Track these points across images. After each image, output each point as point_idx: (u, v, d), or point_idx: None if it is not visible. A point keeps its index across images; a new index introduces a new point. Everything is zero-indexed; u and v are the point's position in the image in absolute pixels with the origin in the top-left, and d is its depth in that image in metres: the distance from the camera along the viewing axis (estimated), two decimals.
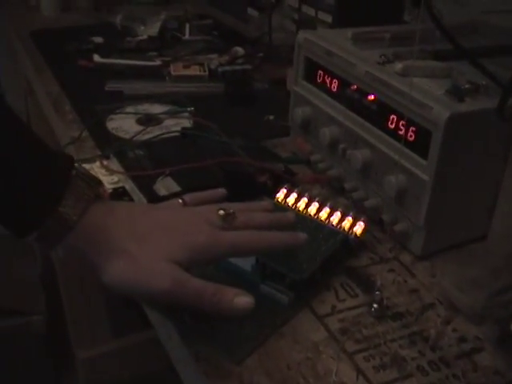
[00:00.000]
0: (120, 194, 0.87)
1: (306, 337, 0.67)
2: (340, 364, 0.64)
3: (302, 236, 0.71)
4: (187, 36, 1.55)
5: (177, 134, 1.04)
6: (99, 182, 0.67)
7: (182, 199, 0.71)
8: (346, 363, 0.64)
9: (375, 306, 0.71)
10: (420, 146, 0.76)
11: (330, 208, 0.82)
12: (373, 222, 0.84)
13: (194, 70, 1.32)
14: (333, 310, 0.72)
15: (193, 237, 0.63)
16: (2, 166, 0.59)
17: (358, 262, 0.80)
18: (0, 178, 0.59)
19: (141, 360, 1.48)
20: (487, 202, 0.81)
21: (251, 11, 1.64)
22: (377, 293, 0.71)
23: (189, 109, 1.13)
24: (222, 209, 0.66)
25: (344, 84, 0.89)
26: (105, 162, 0.93)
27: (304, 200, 0.83)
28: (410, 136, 0.77)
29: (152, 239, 0.62)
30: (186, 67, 1.33)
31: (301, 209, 0.82)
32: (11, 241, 1.97)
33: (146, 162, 0.93)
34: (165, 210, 0.70)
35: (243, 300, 0.63)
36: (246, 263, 0.73)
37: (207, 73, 1.31)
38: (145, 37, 1.52)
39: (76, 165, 0.65)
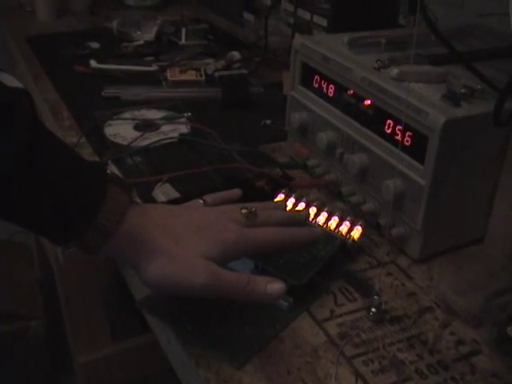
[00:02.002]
0: None
1: (305, 341, 0.68)
2: (339, 368, 0.65)
3: (319, 231, 0.78)
4: (183, 41, 1.56)
5: (174, 139, 1.04)
6: (130, 185, 0.69)
7: (202, 199, 0.75)
8: (345, 367, 0.65)
9: (373, 310, 0.71)
10: (417, 151, 0.76)
11: (327, 213, 0.83)
12: (370, 226, 0.85)
13: (191, 75, 1.32)
14: (332, 314, 0.72)
15: (223, 234, 0.66)
16: (40, 178, 0.60)
17: (356, 266, 0.80)
18: (38, 191, 0.60)
19: (140, 364, 1.48)
20: (484, 205, 0.81)
21: (247, 15, 1.64)
22: (375, 297, 0.72)
23: (186, 114, 1.13)
24: (244, 208, 0.70)
25: (340, 89, 0.89)
26: None
27: (302, 205, 0.84)
28: (407, 141, 0.78)
29: (186, 238, 0.65)
30: (182, 72, 1.33)
31: None
32: (8, 245, 1.96)
33: (144, 169, 0.94)
34: (194, 210, 0.73)
35: (275, 286, 0.65)
36: (245, 269, 0.74)
37: (204, 78, 1.32)
38: (141, 42, 1.52)
39: (108, 171, 0.66)
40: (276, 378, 0.63)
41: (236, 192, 0.79)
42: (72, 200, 0.61)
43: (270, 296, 0.66)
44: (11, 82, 0.61)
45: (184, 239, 0.65)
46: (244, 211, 0.70)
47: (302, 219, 0.79)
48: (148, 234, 0.64)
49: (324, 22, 1.32)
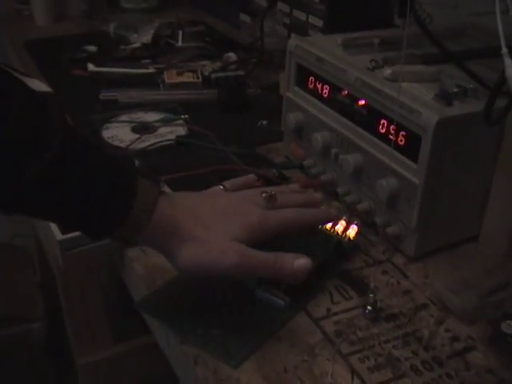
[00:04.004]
0: None
1: (302, 340, 0.69)
2: (335, 366, 0.66)
3: (333, 212, 0.82)
4: (180, 43, 1.56)
5: (172, 142, 1.05)
6: (157, 176, 0.72)
7: (222, 185, 0.78)
8: (341, 365, 0.66)
9: (369, 308, 0.72)
10: (410, 150, 0.77)
11: None
12: (366, 225, 0.85)
13: (188, 77, 1.33)
14: (328, 312, 0.73)
15: (248, 217, 0.69)
16: (74, 180, 0.62)
17: (351, 264, 0.81)
18: (73, 193, 0.62)
19: (142, 365, 1.49)
20: (478, 203, 0.82)
21: (243, 17, 1.65)
22: (371, 295, 0.73)
23: (183, 116, 1.14)
24: (264, 192, 0.74)
25: (335, 90, 0.90)
26: None
27: None
28: (401, 140, 0.78)
29: (215, 223, 0.68)
30: (179, 74, 1.34)
31: None
32: (9, 248, 1.97)
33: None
34: (218, 196, 0.76)
35: (302, 262, 0.69)
36: None
37: (200, 79, 1.32)
38: (138, 44, 1.53)
39: (136, 163, 0.68)
40: (273, 377, 0.64)
41: (252, 177, 0.84)
42: (106, 197, 0.64)
43: (297, 271, 0.69)
44: (38, 86, 0.61)
45: (212, 224, 0.68)
46: (264, 195, 0.73)
47: (317, 201, 0.82)
48: (179, 222, 0.66)
49: (320, 23, 1.32)
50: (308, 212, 0.77)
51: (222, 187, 0.78)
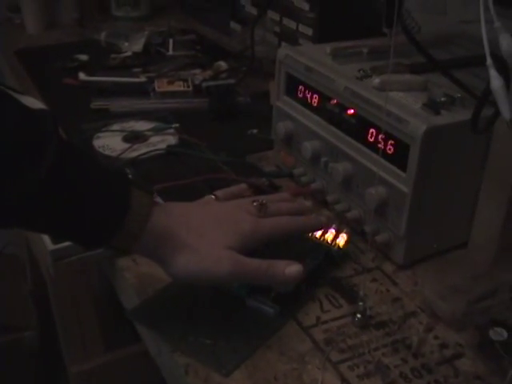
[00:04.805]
0: None
1: (291, 348, 0.69)
2: (325, 374, 0.66)
3: (323, 219, 0.83)
4: (171, 51, 1.57)
5: (162, 151, 1.05)
6: (150, 186, 0.73)
7: (214, 195, 0.80)
8: (331, 373, 0.66)
9: (358, 315, 0.73)
10: (399, 159, 0.78)
11: None
12: (355, 233, 0.86)
13: (178, 86, 1.33)
14: (317, 321, 0.74)
15: (240, 225, 0.71)
16: (69, 194, 0.63)
17: (341, 272, 0.82)
18: (67, 206, 0.63)
19: (134, 373, 1.49)
20: (466, 211, 0.83)
21: (234, 25, 1.66)
22: (360, 303, 0.73)
23: (174, 125, 1.15)
24: (255, 200, 0.75)
25: (324, 99, 0.91)
26: None
27: None
28: (389, 149, 0.79)
29: (208, 231, 0.69)
30: (170, 83, 1.34)
31: None
32: (1, 257, 1.96)
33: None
34: (210, 205, 0.77)
35: (293, 268, 0.70)
36: None
37: (191, 88, 1.33)
38: (129, 53, 1.53)
39: (129, 175, 0.69)
40: None
41: (243, 187, 0.85)
42: (100, 208, 0.65)
43: (289, 278, 0.69)
44: (33, 103, 0.62)
45: (206, 232, 0.69)
46: (255, 203, 0.74)
47: (307, 209, 0.83)
48: (173, 231, 0.68)
49: (309, 31, 1.33)
50: (298, 219, 0.78)
51: (213, 197, 0.79)
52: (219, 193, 0.80)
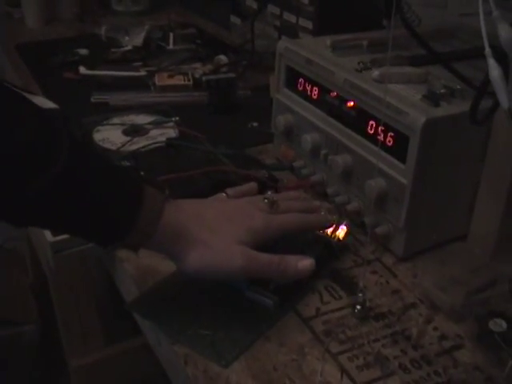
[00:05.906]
0: None
1: (291, 339, 0.69)
2: (325, 364, 0.66)
3: (330, 217, 0.84)
4: (171, 45, 1.57)
5: (162, 144, 1.05)
6: (162, 183, 0.74)
7: (225, 193, 0.81)
8: (330, 364, 0.66)
9: (358, 307, 0.73)
10: (398, 151, 0.78)
11: None
12: (355, 225, 0.86)
13: (179, 80, 1.34)
14: (317, 312, 0.74)
15: (252, 222, 0.72)
16: (82, 193, 0.63)
17: (341, 264, 0.82)
18: (81, 204, 0.63)
19: (134, 366, 1.49)
20: (466, 202, 0.83)
21: (234, 19, 1.66)
22: (360, 294, 0.73)
23: (174, 118, 1.15)
24: (266, 198, 0.77)
25: (324, 91, 0.91)
26: None
27: None
28: (389, 141, 0.79)
29: (220, 227, 0.70)
30: (170, 77, 1.34)
31: None
32: (1, 251, 1.96)
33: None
34: (222, 202, 0.79)
35: (305, 263, 0.72)
36: None
37: (191, 82, 1.33)
38: (129, 47, 1.53)
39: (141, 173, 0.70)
40: (262, 376, 0.64)
41: (253, 185, 0.85)
42: (114, 207, 0.65)
43: (301, 272, 0.72)
44: (44, 103, 0.63)
45: (218, 228, 0.70)
46: (267, 201, 0.76)
47: (316, 208, 0.84)
48: (185, 227, 0.68)
49: (309, 25, 1.33)
50: (309, 217, 0.80)
51: (224, 194, 0.80)
52: (230, 191, 0.81)
